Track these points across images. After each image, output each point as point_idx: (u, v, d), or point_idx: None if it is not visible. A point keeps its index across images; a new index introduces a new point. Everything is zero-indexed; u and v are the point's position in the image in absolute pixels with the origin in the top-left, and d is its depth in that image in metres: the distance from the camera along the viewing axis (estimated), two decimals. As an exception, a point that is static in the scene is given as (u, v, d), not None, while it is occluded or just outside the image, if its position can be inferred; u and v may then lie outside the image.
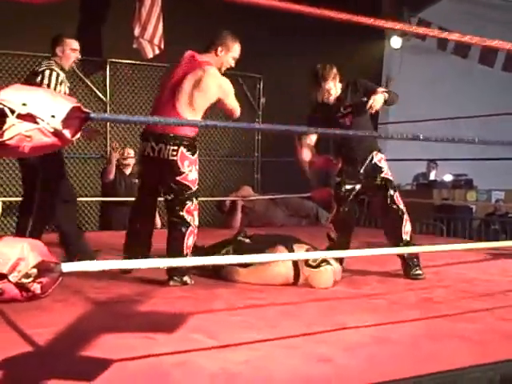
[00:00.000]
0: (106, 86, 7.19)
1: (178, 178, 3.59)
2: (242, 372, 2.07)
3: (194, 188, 3.66)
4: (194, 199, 3.66)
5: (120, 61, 7.26)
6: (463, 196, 8.47)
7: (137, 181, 6.28)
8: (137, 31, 6.80)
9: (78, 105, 1.66)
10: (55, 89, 3.83)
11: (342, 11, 2.25)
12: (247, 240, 3.99)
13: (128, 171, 6.54)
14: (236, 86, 7.88)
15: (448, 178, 8.61)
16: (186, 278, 3.60)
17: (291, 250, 3.70)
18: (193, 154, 3.64)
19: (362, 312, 3.01)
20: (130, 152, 6.62)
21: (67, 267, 1.61)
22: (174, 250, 3.58)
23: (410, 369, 2.13)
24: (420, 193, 8.44)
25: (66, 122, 1.59)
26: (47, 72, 3.89)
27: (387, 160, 6.94)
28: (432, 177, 8.77)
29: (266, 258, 3.14)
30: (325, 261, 3.62)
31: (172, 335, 2.49)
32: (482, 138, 3.57)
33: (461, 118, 7.39)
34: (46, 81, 3.86)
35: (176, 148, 3.55)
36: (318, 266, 3.60)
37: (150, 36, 6.86)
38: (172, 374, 2.04)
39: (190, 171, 3.62)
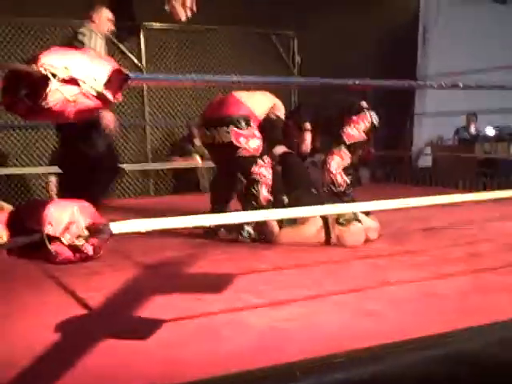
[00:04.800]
0: (140, 51, 7.18)
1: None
2: (290, 328, 2.09)
3: (258, 154, 3.80)
4: (259, 159, 3.79)
5: (154, 24, 7.22)
6: (507, 149, 8.26)
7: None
8: (168, -6, 6.73)
9: (118, 66, 1.65)
10: (95, 48, 4.15)
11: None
12: (285, 200, 4.00)
13: (198, 143, 6.72)
14: (269, 44, 7.92)
15: (490, 131, 8.39)
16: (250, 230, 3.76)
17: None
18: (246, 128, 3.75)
19: (406, 268, 3.00)
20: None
21: (117, 228, 1.63)
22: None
23: (459, 321, 2.11)
24: (462, 148, 8.27)
25: (107, 84, 1.59)
26: (87, 33, 4.23)
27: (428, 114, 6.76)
28: (472, 130, 8.57)
29: (294, 213, 3.11)
30: (355, 219, 3.61)
31: (220, 295, 2.53)
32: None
33: (502, 68, 7.15)
34: (86, 40, 4.18)
35: (227, 129, 3.72)
36: (348, 223, 3.61)
37: (182, 0, 6.79)
38: (222, 332, 2.07)
39: (247, 143, 3.75)
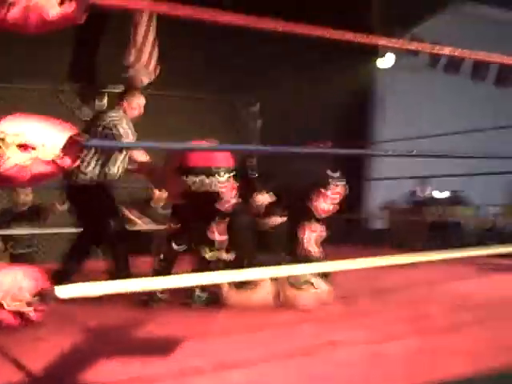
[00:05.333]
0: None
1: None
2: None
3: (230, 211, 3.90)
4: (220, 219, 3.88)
5: (115, 87, 7.30)
6: (458, 212, 8.50)
7: (166, 211, 6.56)
8: (131, 58, 6.88)
9: (75, 132, 1.70)
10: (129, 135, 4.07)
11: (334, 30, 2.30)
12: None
13: (152, 204, 6.86)
14: (231, 111, 8.07)
15: (443, 194, 8.65)
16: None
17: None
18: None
19: (355, 329, 3.05)
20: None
21: (61, 292, 1.64)
22: None
23: (406, 383, 2.16)
24: (416, 210, 8.47)
25: (63, 150, 1.63)
26: (124, 124, 4.07)
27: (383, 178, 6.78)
28: (424, 193, 8.84)
29: (248, 276, 3.14)
30: (308, 282, 3.66)
31: (166, 359, 2.52)
32: (478, 153, 3.54)
33: (456, 133, 7.42)
34: (123, 134, 4.01)
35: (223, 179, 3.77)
36: (301, 287, 3.66)
37: (145, 63, 6.94)
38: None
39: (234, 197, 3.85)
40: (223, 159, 3.82)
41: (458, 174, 7.33)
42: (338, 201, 4.03)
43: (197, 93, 7.61)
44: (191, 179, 3.78)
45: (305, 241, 3.97)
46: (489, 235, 7.90)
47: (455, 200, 8.59)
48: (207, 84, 7.52)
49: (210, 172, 3.76)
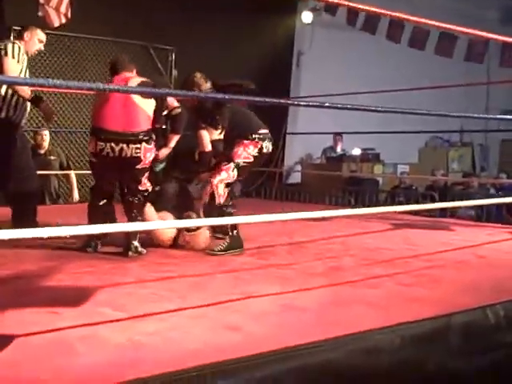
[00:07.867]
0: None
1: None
2: (150, 343, 2.06)
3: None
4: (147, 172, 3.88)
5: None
6: (370, 169, 8.75)
7: (52, 157, 6.36)
8: (41, -1, 6.49)
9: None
10: (19, 59, 4.14)
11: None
12: None
13: (42, 151, 6.54)
14: (147, 57, 7.84)
15: (356, 151, 8.85)
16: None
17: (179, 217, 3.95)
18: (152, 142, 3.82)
19: (270, 281, 3.06)
20: (46, 133, 6.56)
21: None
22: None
23: (317, 334, 2.18)
24: (330, 166, 8.65)
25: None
26: (10, 45, 4.16)
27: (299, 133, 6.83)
28: (339, 149, 9.01)
29: (153, 226, 3.55)
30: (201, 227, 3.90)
31: (77, 309, 2.45)
32: (390, 109, 3.54)
33: (370, 92, 7.56)
34: (9, 52, 4.11)
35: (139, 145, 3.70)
36: (197, 229, 3.90)
37: (57, 4, 6.57)
38: (77, 347, 2.00)
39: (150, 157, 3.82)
40: (137, 123, 3.72)
41: (373, 132, 7.51)
42: (254, 152, 4.02)
43: (111, 36, 7.33)
44: (107, 144, 3.66)
45: (216, 179, 3.95)
46: (397, 192, 8.20)
47: (367, 157, 8.82)
48: (124, 28, 7.24)
49: (123, 139, 3.66)
